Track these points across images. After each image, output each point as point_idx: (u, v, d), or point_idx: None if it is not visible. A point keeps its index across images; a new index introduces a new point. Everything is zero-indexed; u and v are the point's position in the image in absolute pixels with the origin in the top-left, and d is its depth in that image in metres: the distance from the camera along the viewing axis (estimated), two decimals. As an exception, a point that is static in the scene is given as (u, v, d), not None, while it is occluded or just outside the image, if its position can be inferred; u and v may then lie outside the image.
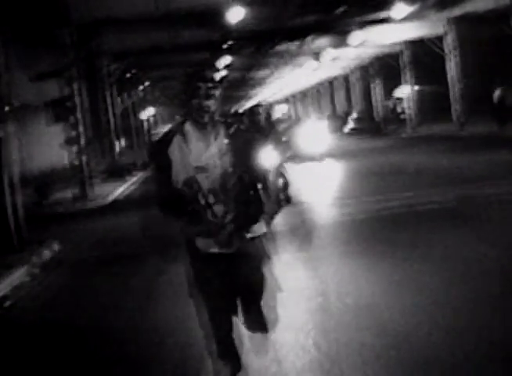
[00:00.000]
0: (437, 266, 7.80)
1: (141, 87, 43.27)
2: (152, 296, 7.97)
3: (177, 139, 4.39)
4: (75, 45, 21.76)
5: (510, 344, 5.20)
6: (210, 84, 4.31)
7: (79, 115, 21.38)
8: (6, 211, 12.35)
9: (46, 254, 11.79)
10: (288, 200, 11.17)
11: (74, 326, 7.22)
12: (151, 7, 21.04)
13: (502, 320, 5.75)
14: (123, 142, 35.97)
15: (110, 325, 7.01)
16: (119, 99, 36.11)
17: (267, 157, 4.58)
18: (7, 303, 8.67)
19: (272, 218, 8.86)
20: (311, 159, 26.51)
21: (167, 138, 4.46)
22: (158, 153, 4.47)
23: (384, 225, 11.03)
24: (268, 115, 10.38)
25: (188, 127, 4.40)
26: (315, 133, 29.79)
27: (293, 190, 11.26)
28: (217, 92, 4.34)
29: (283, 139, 10.76)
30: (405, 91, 45.67)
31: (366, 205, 13.23)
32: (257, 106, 10.27)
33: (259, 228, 4.63)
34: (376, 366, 5.06)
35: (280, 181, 10.27)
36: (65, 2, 20.43)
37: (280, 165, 10.72)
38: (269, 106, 56.04)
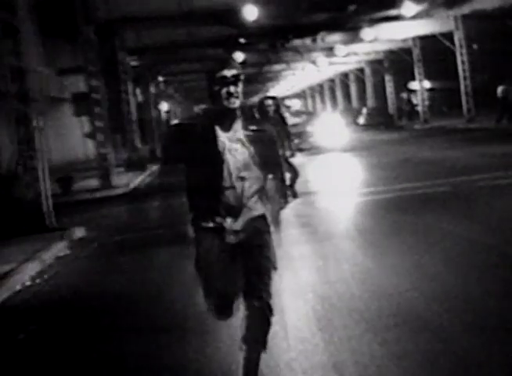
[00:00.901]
0: (424, 236, 9.01)
1: (158, 81, 44.48)
2: (172, 271, 8.91)
3: (204, 123, 4.59)
4: (99, 42, 22.98)
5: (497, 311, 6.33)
6: (235, 72, 4.53)
7: (103, 108, 22.62)
8: (41, 195, 13.59)
9: (77, 234, 13.00)
10: (295, 195, 11.85)
11: (107, 290, 8.42)
12: (173, 6, 22.25)
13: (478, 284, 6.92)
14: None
15: (137, 293, 8.13)
16: (138, 92, 37.38)
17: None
18: (53, 270, 9.93)
19: (279, 212, 9.71)
20: (328, 151, 27.42)
21: (195, 121, 4.72)
22: (180, 132, 4.67)
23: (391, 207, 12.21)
24: (278, 107, 10.86)
25: (215, 112, 4.60)
26: (332, 126, 30.57)
27: (300, 183, 12.28)
28: (242, 78, 4.57)
29: (294, 131, 11.51)
30: (422, 84, 46.73)
31: (375, 195, 14.40)
32: (267, 98, 11.16)
33: (260, 207, 4.80)
34: (361, 324, 6.23)
35: (288, 175, 10.71)
36: (89, 1, 21.70)
37: (289, 158, 11.59)
38: (280, 100, 56.38)
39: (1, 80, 13.33)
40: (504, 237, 8.64)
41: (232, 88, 4.49)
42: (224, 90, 4.48)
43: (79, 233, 13.12)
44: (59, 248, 11.58)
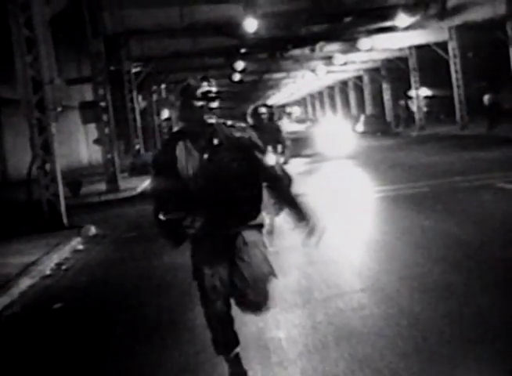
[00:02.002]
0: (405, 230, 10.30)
1: (160, 89, 45.79)
2: (177, 258, 10.03)
3: (183, 140, 4.71)
4: (105, 53, 24.27)
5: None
6: (215, 89, 4.68)
7: (110, 115, 23.89)
8: (58, 196, 14.86)
9: (91, 231, 14.24)
10: None
11: (123, 278, 9.67)
12: (175, 19, 23.56)
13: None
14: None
15: (146, 275, 9.39)
16: (140, 100, 38.64)
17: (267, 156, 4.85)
18: (72, 260, 11.20)
19: (273, 219, 10.42)
20: (332, 158, 27.40)
21: (174, 138, 4.81)
22: (163, 154, 4.78)
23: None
24: (271, 115, 10.97)
25: (191, 128, 4.73)
26: (336, 132, 30.45)
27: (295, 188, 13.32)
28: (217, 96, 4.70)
29: (287, 139, 12.14)
30: (419, 92, 48.02)
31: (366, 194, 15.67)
32: (262, 106, 11.11)
33: (258, 219, 4.87)
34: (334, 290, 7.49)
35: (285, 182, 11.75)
36: (97, 15, 23.00)
37: (282, 165, 12.17)
38: (278, 107, 57.19)
39: (22, 91, 14.60)
40: (475, 231, 9.88)
41: (213, 104, 4.65)
42: (205, 105, 4.62)
43: (92, 230, 14.35)
44: (76, 243, 12.82)
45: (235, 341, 4.88)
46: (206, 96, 4.61)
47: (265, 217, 5.03)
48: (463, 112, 38.28)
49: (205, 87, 4.62)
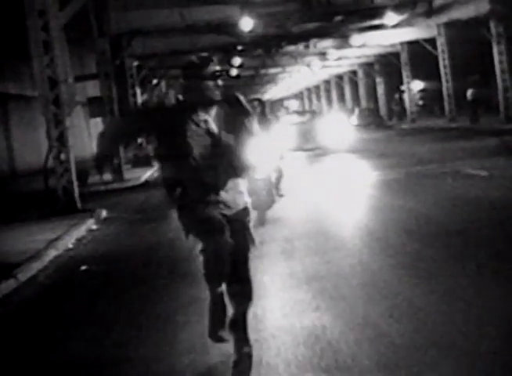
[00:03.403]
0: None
1: (160, 84, 47.38)
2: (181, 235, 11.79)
3: (187, 111, 4.97)
4: (111, 52, 25.91)
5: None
6: (220, 68, 4.95)
7: (115, 110, 25.54)
8: (72, 183, 16.52)
9: (102, 214, 15.90)
10: (280, 194, 12.60)
11: (135, 249, 11.36)
12: (176, 19, 25.18)
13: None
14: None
15: (154, 246, 11.05)
16: (140, 94, 40.26)
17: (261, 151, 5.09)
18: (89, 237, 12.89)
19: (266, 210, 11.64)
20: (333, 152, 27.10)
21: (179, 107, 5.11)
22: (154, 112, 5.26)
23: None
24: (263, 109, 11.56)
25: (194, 102, 4.98)
26: (336, 125, 29.91)
27: (285, 183, 13.60)
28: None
29: (280, 133, 12.90)
30: (413, 85, 49.70)
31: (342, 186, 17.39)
32: (253, 100, 11.73)
33: (242, 200, 5.15)
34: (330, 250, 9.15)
35: (274, 175, 11.85)
36: (104, 16, 24.64)
37: (275, 160, 11.63)
38: (266, 102, 57.83)
39: (40, 88, 16.26)
40: (434, 208, 11.59)
41: (219, 82, 4.93)
42: (213, 83, 4.90)
43: (103, 213, 16.01)
44: (90, 224, 14.47)
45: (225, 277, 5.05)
46: (213, 75, 4.89)
47: (253, 210, 5.39)
48: (451, 105, 39.96)
49: (211, 66, 4.90)
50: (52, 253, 11.12)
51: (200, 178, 4.88)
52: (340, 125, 30.66)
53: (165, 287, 7.97)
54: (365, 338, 5.49)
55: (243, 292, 5.11)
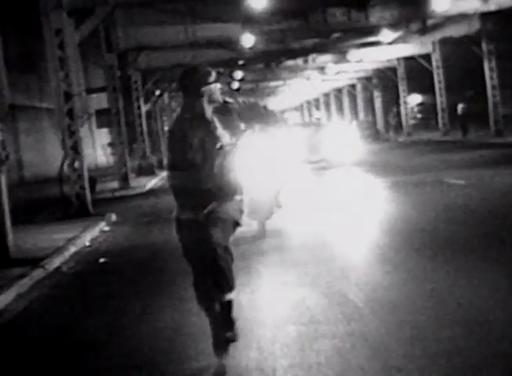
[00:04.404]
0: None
1: (163, 96, 48.80)
2: None
3: (189, 120, 5.31)
4: (118, 66, 27.35)
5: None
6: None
7: (122, 121, 26.94)
8: (84, 189, 17.86)
9: (112, 218, 17.22)
10: (278, 205, 12.33)
11: (146, 245, 12.69)
12: (181, 36, 26.63)
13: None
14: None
15: (162, 243, 12.29)
16: (144, 105, 41.68)
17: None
18: (102, 237, 14.23)
19: (264, 221, 12.67)
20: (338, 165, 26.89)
21: (183, 118, 5.39)
22: (178, 127, 5.38)
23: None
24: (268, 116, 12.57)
25: (198, 112, 5.29)
26: (343, 138, 28.81)
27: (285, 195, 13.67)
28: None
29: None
30: (411, 99, 51.07)
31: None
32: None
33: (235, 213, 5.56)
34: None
35: (274, 186, 11.88)
36: (112, 33, 26.09)
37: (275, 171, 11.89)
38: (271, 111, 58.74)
39: (56, 101, 17.63)
40: (412, 210, 12.98)
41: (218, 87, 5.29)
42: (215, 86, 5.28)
43: (113, 217, 17.33)
44: (102, 226, 15.80)
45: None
46: (205, 82, 5.21)
47: (252, 222, 6.10)
48: (444, 119, 41.42)
49: (209, 75, 5.25)
50: (71, 249, 12.43)
51: (201, 186, 5.33)
52: (347, 138, 29.42)
53: (175, 273, 9.24)
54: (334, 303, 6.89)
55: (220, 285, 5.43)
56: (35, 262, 10.84)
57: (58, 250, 12.15)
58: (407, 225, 11.56)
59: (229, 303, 5.49)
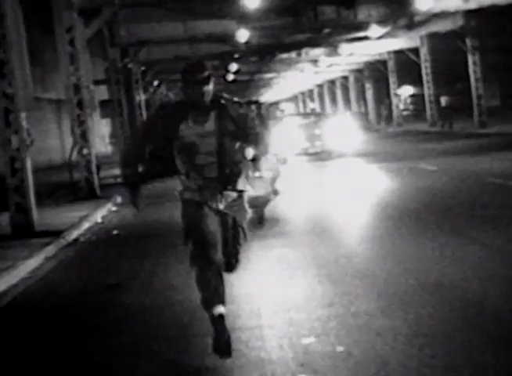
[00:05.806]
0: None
1: (161, 87, 50.43)
2: None
3: (184, 109, 5.35)
4: (121, 59, 28.97)
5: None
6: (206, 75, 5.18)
7: (124, 111, 28.57)
8: (92, 173, 19.53)
9: (118, 199, 18.85)
10: (275, 192, 12.53)
11: (153, 221, 14.35)
12: (180, 32, 28.32)
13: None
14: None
15: (165, 220, 13.96)
16: (143, 96, 43.29)
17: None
18: (112, 215, 15.89)
19: (262, 208, 13.96)
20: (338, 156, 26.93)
21: (177, 106, 5.53)
22: (162, 110, 5.59)
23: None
24: (259, 111, 12.95)
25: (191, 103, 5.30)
26: (343, 128, 28.03)
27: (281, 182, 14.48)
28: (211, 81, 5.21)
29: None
30: (404, 90, 52.63)
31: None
32: (250, 102, 13.35)
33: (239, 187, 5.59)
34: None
35: (270, 174, 12.00)
36: (115, 29, 27.73)
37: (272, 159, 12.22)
38: (268, 104, 60.00)
39: (66, 93, 19.27)
40: (389, 193, 14.69)
41: (211, 84, 5.22)
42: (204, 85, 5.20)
43: (119, 199, 18.97)
44: (110, 206, 17.48)
45: (221, 297, 5.41)
46: (206, 79, 5.18)
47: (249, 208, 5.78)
48: (432, 111, 43.09)
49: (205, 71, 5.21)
50: (85, 224, 14.13)
51: (201, 172, 5.45)
52: (347, 128, 28.54)
53: (179, 239, 10.86)
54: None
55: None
56: (56, 233, 12.51)
57: (74, 225, 13.82)
58: (379, 206, 13.27)
59: (221, 317, 5.38)
